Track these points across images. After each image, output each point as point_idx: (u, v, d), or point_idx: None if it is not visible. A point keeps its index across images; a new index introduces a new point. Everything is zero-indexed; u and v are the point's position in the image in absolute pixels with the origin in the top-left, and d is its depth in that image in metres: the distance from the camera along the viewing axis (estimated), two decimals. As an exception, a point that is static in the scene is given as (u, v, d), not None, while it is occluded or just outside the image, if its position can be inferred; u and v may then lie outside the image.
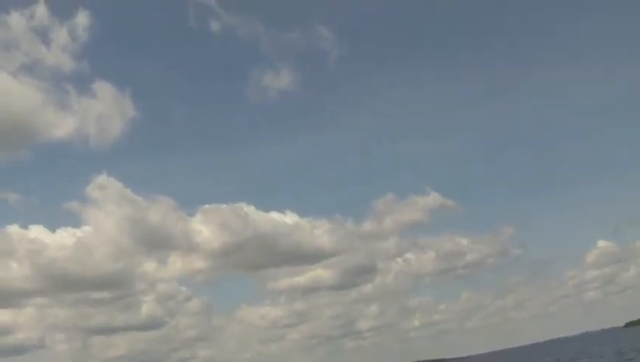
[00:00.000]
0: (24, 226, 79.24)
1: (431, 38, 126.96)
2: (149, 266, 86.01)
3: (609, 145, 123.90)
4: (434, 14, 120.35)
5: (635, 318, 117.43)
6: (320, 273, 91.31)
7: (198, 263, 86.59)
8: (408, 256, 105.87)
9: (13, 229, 78.04)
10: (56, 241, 75.60)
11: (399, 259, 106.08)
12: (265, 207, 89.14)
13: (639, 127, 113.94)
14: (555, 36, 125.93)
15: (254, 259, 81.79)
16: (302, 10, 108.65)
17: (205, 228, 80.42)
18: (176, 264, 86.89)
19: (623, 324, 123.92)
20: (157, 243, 79.39)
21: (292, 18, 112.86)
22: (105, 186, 75.86)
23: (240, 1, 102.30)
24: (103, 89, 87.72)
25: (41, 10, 77.07)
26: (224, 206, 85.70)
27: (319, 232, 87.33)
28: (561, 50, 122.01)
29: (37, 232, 76.89)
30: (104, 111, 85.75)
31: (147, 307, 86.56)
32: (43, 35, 77.83)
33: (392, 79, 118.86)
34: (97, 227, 76.98)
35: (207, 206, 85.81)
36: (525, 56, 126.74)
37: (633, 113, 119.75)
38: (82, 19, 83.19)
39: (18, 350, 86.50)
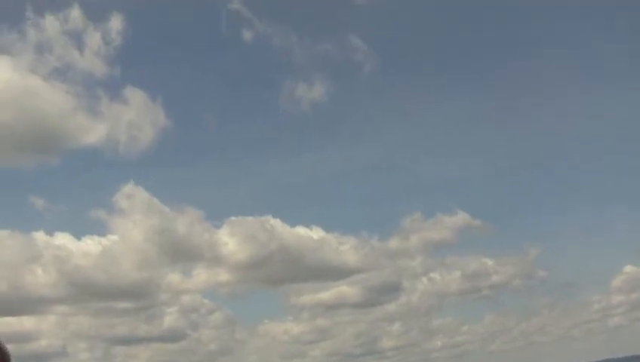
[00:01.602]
0: (50, 233, 78.97)
1: (465, 53, 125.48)
2: (174, 277, 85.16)
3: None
4: (470, 29, 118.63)
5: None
6: (344, 290, 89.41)
7: (223, 276, 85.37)
8: (433, 275, 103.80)
9: (39, 235, 77.78)
10: (81, 249, 75.05)
11: (424, 278, 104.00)
12: (291, 220, 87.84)
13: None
14: (581, 53, 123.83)
15: (279, 273, 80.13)
16: (336, 21, 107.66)
17: (231, 240, 79.28)
18: (200, 276, 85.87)
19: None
20: (182, 254, 78.37)
21: (326, 28, 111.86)
22: (132, 195, 75.19)
23: (274, 11, 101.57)
24: (135, 95, 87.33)
25: (75, 14, 76.81)
26: (250, 218, 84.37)
27: (345, 248, 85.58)
28: (590, 67, 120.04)
29: (63, 239, 76.42)
30: (135, 118, 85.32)
31: (170, 318, 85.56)
32: (76, 38, 77.52)
33: (424, 94, 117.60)
34: (123, 236, 76.31)
35: (233, 218, 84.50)
36: (556, 75, 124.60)
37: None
38: (116, 23, 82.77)
39: (40, 357, 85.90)
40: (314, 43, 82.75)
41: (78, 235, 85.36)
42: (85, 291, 71.75)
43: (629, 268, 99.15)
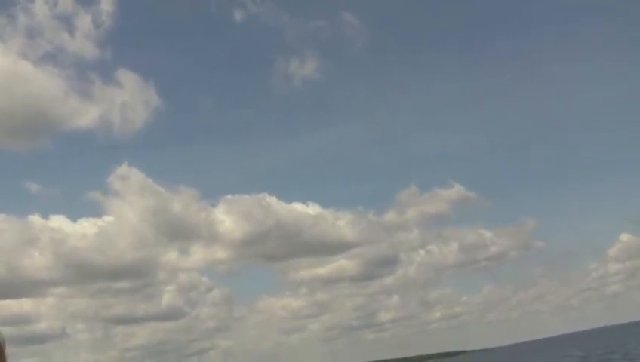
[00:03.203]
0: (45, 216, 79.54)
1: (458, 29, 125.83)
2: (171, 256, 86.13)
3: (635, 138, 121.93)
4: (462, 6, 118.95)
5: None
6: (342, 264, 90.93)
7: (220, 254, 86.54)
8: (431, 247, 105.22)
9: (35, 219, 78.37)
10: (77, 231, 75.83)
11: (421, 251, 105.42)
12: (287, 197, 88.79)
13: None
14: (580, 29, 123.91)
15: (276, 249, 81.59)
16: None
17: (227, 218, 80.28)
18: (197, 254, 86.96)
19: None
20: (179, 233, 79.43)
21: (318, 6, 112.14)
22: (127, 176, 75.98)
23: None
24: (127, 77, 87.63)
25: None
26: (246, 196, 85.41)
27: (342, 223, 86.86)
28: (586, 43, 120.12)
29: (58, 222, 77.13)
30: (128, 100, 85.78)
31: (168, 297, 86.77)
32: (67, 22, 77.82)
33: (417, 70, 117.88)
34: (119, 217, 77.13)
35: (229, 196, 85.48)
36: (550, 50, 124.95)
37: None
38: (106, 5, 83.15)
39: (40, 339, 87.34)
40: (306, 21, 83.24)
41: (73, 218, 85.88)
42: (82, 272, 72.78)
43: (625, 237, 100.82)
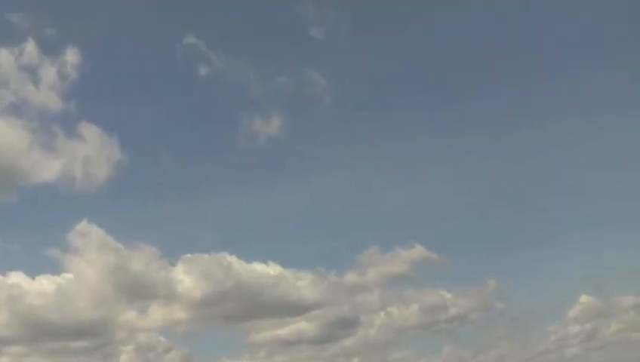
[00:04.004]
0: (3, 272, 77.62)
1: (420, 89, 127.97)
2: (130, 315, 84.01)
3: (593, 199, 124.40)
4: (428, 64, 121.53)
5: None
6: (302, 326, 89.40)
7: (179, 314, 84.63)
8: (391, 309, 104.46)
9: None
10: (35, 288, 73.96)
11: (382, 313, 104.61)
12: (248, 256, 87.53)
13: (624, 177, 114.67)
14: (548, 86, 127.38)
15: (236, 310, 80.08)
16: (294, 55, 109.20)
17: (187, 277, 79.02)
18: (156, 314, 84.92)
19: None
20: (138, 292, 77.62)
21: (284, 62, 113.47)
22: (87, 233, 74.57)
23: (230, 45, 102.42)
24: (90, 131, 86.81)
25: (30, 47, 76.54)
26: (206, 256, 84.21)
27: (302, 284, 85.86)
28: (553, 100, 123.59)
29: (16, 278, 75.25)
30: (90, 154, 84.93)
31: (126, 357, 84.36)
32: (32, 73, 77.47)
33: (381, 128, 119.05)
34: (78, 274, 75.40)
35: (189, 255, 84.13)
36: (509, 111, 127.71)
37: (613, 163, 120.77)
38: (71, 57, 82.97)
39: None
40: (271, 77, 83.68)
41: (32, 274, 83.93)
42: (39, 331, 70.59)
43: (584, 298, 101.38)
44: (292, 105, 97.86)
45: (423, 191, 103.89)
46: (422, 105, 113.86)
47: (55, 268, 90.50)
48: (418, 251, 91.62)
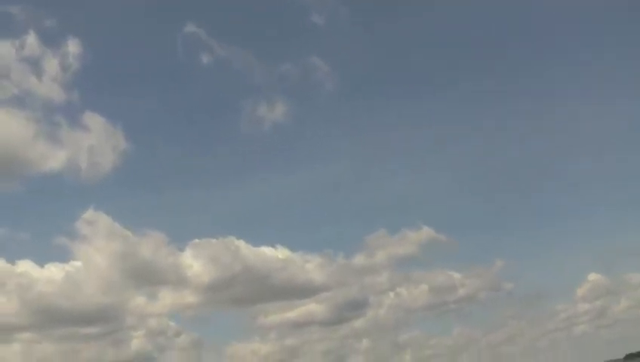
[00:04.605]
0: (12, 261, 77.86)
1: (425, 73, 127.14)
2: (139, 301, 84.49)
3: (600, 179, 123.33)
4: (430, 50, 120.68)
5: (634, 350, 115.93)
6: (311, 308, 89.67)
7: (188, 298, 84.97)
8: (400, 290, 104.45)
9: (1, 264, 76.75)
10: (44, 276, 74.28)
11: (391, 294, 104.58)
12: (255, 241, 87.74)
13: (628, 159, 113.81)
14: (544, 72, 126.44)
15: (245, 293, 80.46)
16: (296, 42, 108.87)
17: (195, 262, 79.14)
18: (166, 299, 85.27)
19: (622, 357, 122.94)
20: (147, 278, 78.06)
21: (286, 49, 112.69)
22: (94, 221, 74.73)
23: (231, 33, 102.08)
24: (94, 121, 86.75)
25: (31, 39, 76.50)
26: (214, 240, 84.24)
27: (310, 267, 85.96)
28: (550, 85, 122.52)
29: (25, 267, 75.60)
30: (95, 143, 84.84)
31: (136, 342, 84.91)
32: (34, 64, 77.19)
33: (386, 113, 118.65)
34: (87, 262, 75.70)
35: (197, 240, 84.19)
36: (515, 92, 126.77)
37: (619, 147, 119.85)
38: (73, 48, 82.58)
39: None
40: (274, 64, 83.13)
41: (40, 262, 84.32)
42: (50, 318, 71.06)
43: (592, 276, 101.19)
44: (295, 91, 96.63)
45: (429, 174, 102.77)
46: (423, 90, 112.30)
47: (63, 256, 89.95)
48: (426, 232, 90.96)
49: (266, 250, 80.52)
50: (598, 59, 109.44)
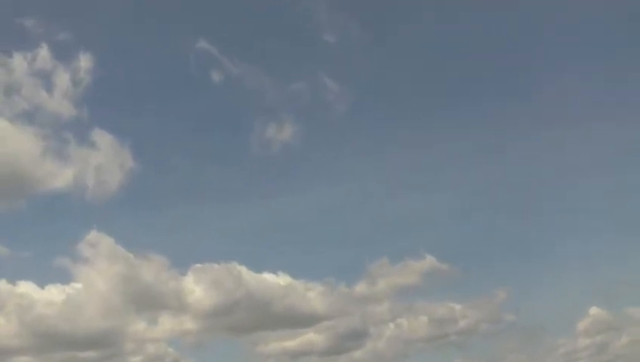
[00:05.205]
0: (13, 281, 77.63)
1: (434, 94, 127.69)
2: (139, 326, 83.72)
3: (603, 209, 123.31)
4: (443, 70, 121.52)
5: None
6: (312, 337, 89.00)
7: (188, 324, 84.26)
8: (400, 320, 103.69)
9: (1, 284, 76.52)
10: (45, 298, 73.92)
11: (391, 324, 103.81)
12: (257, 267, 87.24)
13: (630, 185, 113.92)
14: (549, 96, 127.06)
15: (245, 321, 79.85)
16: (307, 60, 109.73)
17: (197, 287, 78.76)
18: (165, 324, 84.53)
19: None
20: (147, 302, 77.53)
21: (297, 68, 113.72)
22: (96, 242, 74.54)
23: (243, 50, 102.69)
24: (103, 138, 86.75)
25: (44, 53, 76.82)
26: (216, 265, 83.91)
27: (312, 295, 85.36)
28: (553, 109, 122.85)
29: (26, 288, 75.28)
30: (102, 162, 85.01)
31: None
32: (45, 79, 77.81)
33: (395, 136, 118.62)
34: (87, 284, 75.35)
35: (199, 265, 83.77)
36: (519, 117, 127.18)
37: (629, 169, 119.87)
38: (85, 62, 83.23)
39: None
40: (285, 83, 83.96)
41: (41, 283, 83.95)
42: (48, 341, 70.45)
43: (594, 310, 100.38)
44: (305, 111, 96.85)
45: (434, 198, 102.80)
46: (437, 111, 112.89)
47: (64, 278, 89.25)
48: (428, 262, 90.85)
49: (268, 277, 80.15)
50: (611, 78, 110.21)
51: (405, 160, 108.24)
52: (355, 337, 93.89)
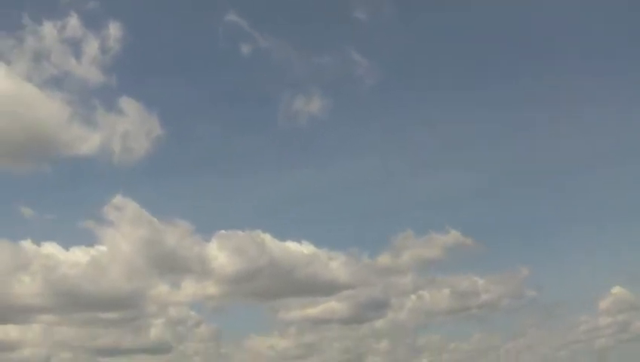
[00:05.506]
0: (37, 242, 78.17)
1: (462, 70, 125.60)
2: (162, 289, 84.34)
3: (629, 189, 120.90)
4: (472, 46, 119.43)
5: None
6: (332, 305, 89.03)
7: (211, 289, 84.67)
8: (423, 292, 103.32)
9: (27, 244, 77.06)
10: (69, 259, 74.41)
11: (413, 296, 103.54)
12: (281, 235, 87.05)
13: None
14: (575, 73, 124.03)
15: (268, 287, 79.84)
16: (336, 35, 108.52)
17: (220, 253, 78.80)
18: (188, 288, 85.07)
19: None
20: (171, 266, 77.84)
21: (325, 42, 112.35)
22: (122, 206, 74.73)
23: (272, 24, 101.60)
24: (130, 106, 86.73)
25: (73, 21, 76.55)
26: (240, 232, 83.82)
27: (335, 264, 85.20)
28: (582, 87, 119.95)
29: (51, 249, 75.80)
30: (130, 128, 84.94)
31: (156, 330, 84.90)
32: (74, 46, 77.47)
33: (422, 110, 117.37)
34: (112, 247, 75.71)
35: (223, 231, 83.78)
36: (547, 96, 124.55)
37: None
38: (114, 30, 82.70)
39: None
40: (313, 57, 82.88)
41: (66, 245, 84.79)
42: (72, 301, 71.13)
43: (616, 290, 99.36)
44: (333, 85, 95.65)
45: (461, 175, 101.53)
46: (463, 89, 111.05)
47: (89, 240, 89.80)
48: (453, 236, 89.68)
49: (291, 245, 79.96)
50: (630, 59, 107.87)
51: (431, 137, 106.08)
52: (377, 307, 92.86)
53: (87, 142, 75.56)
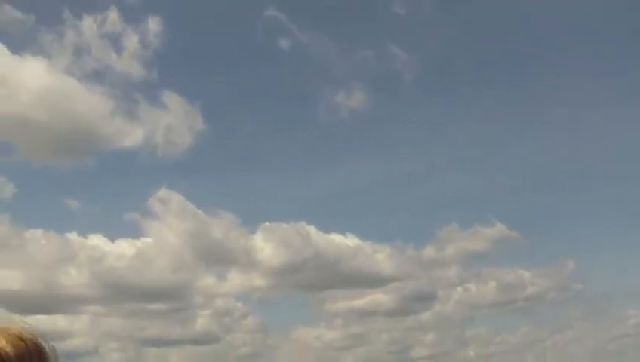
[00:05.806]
0: (83, 234, 79.10)
1: (503, 65, 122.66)
2: (208, 281, 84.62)
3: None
4: (511, 42, 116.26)
5: None
6: (379, 297, 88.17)
7: (257, 281, 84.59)
8: (468, 285, 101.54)
9: (73, 236, 78.05)
10: (115, 251, 75.13)
11: (459, 288, 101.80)
12: (326, 227, 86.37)
13: None
14: (616, 66, 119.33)
15: (313, 279, 79.56)
16: (376, 30, 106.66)
17: (266, 245, 78.55)
18: (234, 280, 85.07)
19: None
20: (216, 258, 77.97)
21: (365, 37, 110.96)
22: (166, 199, 74.93)
23: (311, 18, 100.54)
24: (172, 100, 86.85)
25: (113, 16, 76.94)
26: (285, 225, 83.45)
27: (380, 256, 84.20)
28: (626, 82, 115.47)
29: (96, 241, 76.72)
30: (173, 122, 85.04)
31: (203, 321, 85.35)
32: (114, 41, 77.98)
33: (464, 106, 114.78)
34: (157, 239, 76.12)
35: (268, 224, 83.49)
36: (592, 91, 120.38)
37: None
38: (153, 25, 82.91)
39: (71, 356, 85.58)
40: (353, 52, 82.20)
41: (112, 237, 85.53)
42: (118, 292, 71.77)
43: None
44: (374, 80, 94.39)
45: (505, 169, 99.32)
46: (503, 83, 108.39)
47: (134, 233, 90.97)
48: (498, 229, 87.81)
49: (336, 238, 79.20)
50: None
51: (476, 131, 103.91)
52: (423, 299, 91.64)
53: (130, 135, 75.88)
